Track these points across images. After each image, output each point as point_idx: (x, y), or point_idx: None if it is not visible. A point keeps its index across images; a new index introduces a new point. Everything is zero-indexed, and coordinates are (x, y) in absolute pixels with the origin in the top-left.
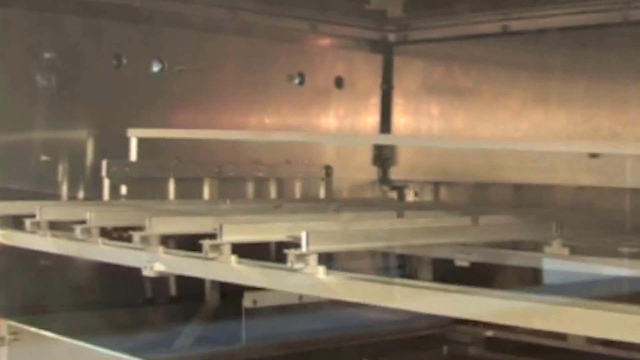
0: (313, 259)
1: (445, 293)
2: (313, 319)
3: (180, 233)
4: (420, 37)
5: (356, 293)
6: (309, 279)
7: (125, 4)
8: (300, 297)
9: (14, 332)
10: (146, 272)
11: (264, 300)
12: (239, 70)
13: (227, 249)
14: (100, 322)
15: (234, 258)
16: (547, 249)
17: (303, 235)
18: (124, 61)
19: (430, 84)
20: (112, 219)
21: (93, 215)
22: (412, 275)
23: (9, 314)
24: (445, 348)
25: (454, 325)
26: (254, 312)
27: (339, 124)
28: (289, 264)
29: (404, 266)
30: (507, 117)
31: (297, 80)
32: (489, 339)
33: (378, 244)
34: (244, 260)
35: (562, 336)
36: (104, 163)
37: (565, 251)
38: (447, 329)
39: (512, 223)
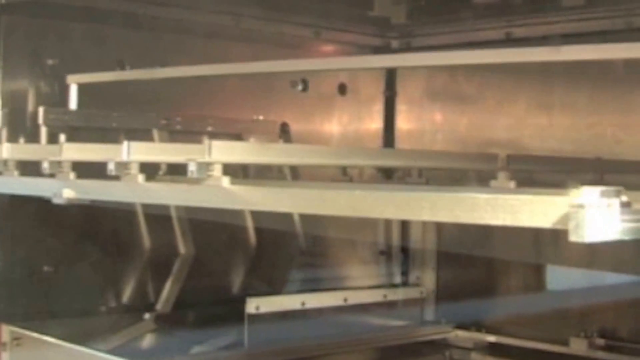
0: (217, 170)
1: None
2: (314, 325)
3: (89, 160)
4: (424, 43)
5: (260, 201)
6: (214, 190)
7: (129, 11)
8: (303, 303)
9: (16, 338)
10: (56, 200)
11: (267, 306)
12: (242, 76)
13: (135, 168)
14: None
15: (141, 177)
16: (493, 183)
17: (205, 144)
18: (127, 67)
19: (433, 90)
20: (28, 153)
21: (9, 148)
22: None
23: None
24: (447, 353)
25: (456, 330)
26: (257, 318)
27: (342, 130)
28: (189, 174)
29: None
30: (510, 123)
31: (300, 87)
32: (490, 344)
33: (281, 159)
34: (152, 177)
35: (564, 342)
36: (41, 110)
37: (512, 184)
38: (449, 334)
39: (456, 154)
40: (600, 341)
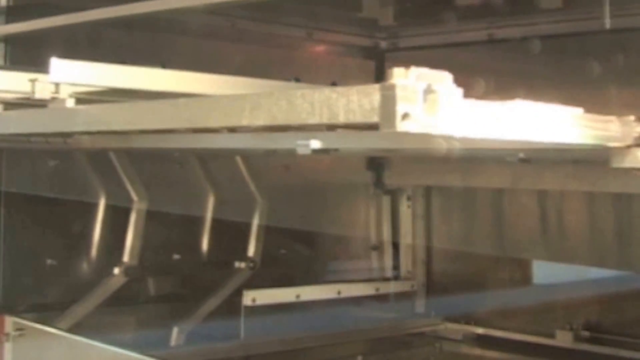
0: (64, 93)
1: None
2: (308, 317)
3: None
4: (410, 44)
5: (100, 119)
6: (59, 112)
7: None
8: (298, 295)
9: (19, 328)
10: None
11: (263, 299)
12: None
13: None
14: None
15: None
16: None
17: (52, 63)
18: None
19: None
20: None
21: None
22: None
23: None
24: (437, 345)
25: (446, 323)
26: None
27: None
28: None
29: None
30: None
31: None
32: (479, 336)
33: (127, 83)
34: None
35: (550, 334)
36: None
37: None
38: (439, 326)
39: None
40: (585, 333)
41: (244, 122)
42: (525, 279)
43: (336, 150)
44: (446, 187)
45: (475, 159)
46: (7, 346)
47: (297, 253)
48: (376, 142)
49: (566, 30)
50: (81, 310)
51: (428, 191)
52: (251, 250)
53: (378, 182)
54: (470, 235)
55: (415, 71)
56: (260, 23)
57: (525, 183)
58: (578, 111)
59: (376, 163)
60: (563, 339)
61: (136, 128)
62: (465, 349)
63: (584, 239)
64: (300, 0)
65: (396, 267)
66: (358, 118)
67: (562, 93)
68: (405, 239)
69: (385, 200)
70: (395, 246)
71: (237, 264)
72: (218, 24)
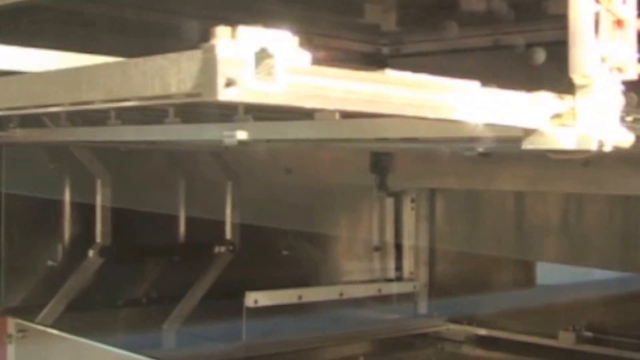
0: None
1: None
2: (311, 318)
3: None
4: (413, 50)
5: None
6: None
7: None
8: (300, 296)
9: (21, 330)
10: None
11: (264, 300)
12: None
13: None
14: None
15: None
16: None
17: None
18: None
19: None
20: None
21: None
22: None
23: None
24: (439, 346)
25: (448, 324)
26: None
27: None
28: None
29: None
30: None
31: None
32: (481, 337)
33: None
34: None
35: (553, 335)
36: None
37: None
38: (442, 327)
39: None
40: (588, 334)
41: (83, 97)
42: (528, 280)
43: (268, 141)
44: (450, 189)
45: (475, 159)
46: (10, 348)
47: (301, 254)
48: (310, 133)
49: None
50: (64, 296)
51: (432, 193)
52: (228, 233)
53: (382, 185)
54: (474, 237)
55: (247, 30)
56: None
57: (528, 185)
58: (475, 85)
59: (380, 165)
60: (566, 340)
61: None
62: (468, 350)
63: (590, 241)
64: (300, 6)
65: (399, 268)
66: (189, 88)
67: None
68: (409, 241)
69: (389, 202)
70: (398, 248)
71: (216, 249)
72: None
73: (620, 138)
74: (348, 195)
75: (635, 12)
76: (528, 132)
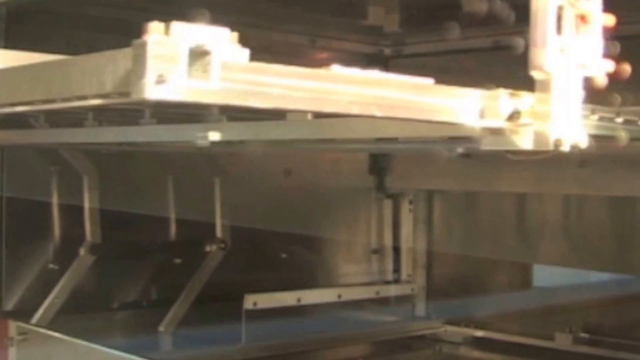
0: None
1: None
2: (309, 320)
3: None
4: (415, 51)
5: None
6: None
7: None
8: (298, 299)
9: (23, 333)
10: None
11: (263, 302)
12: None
13: None
14: None
15: None
16: None
17: None
18: None
19: None
20: None
21: None
22: None
23: None
24: (437, 348)
25: (446, 326)
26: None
27: None
28: None
29: None
30: None
31: None
32: (479, 339)
33: None
34: None
35: (549, 337)
36: None
37: None
38: (440, 329)
39: None
40: (585, 336)
41: (26, 97)
42: (524, 282)
43: (241, 142)
44: (448, 192)
45: (477, 160)
46: (11, 351)
47: (298, 257)
48: (282, 133)
49: None
50: (58, 297)
51: (430, 195)
52: (219, 231)
53: (380, 186)
54: (472, 239)
55: (181, 26)
56: (262, 30)
57: (526, 187)
58: (428, 81)
59: (378, 167)
60: (562, 342)
61: None
62: (465, 352)
63: (586, 243)
64: (303, 8)
65: (396, 270)
66: (120, 86)
67: None
68: (406, 243)
69: (387, 204)
70: (396, 250)
71: (208, 247)
72: None
73: (579, 138)
74: (347, 197)
75: (600, 6)
76: (487, 132)
